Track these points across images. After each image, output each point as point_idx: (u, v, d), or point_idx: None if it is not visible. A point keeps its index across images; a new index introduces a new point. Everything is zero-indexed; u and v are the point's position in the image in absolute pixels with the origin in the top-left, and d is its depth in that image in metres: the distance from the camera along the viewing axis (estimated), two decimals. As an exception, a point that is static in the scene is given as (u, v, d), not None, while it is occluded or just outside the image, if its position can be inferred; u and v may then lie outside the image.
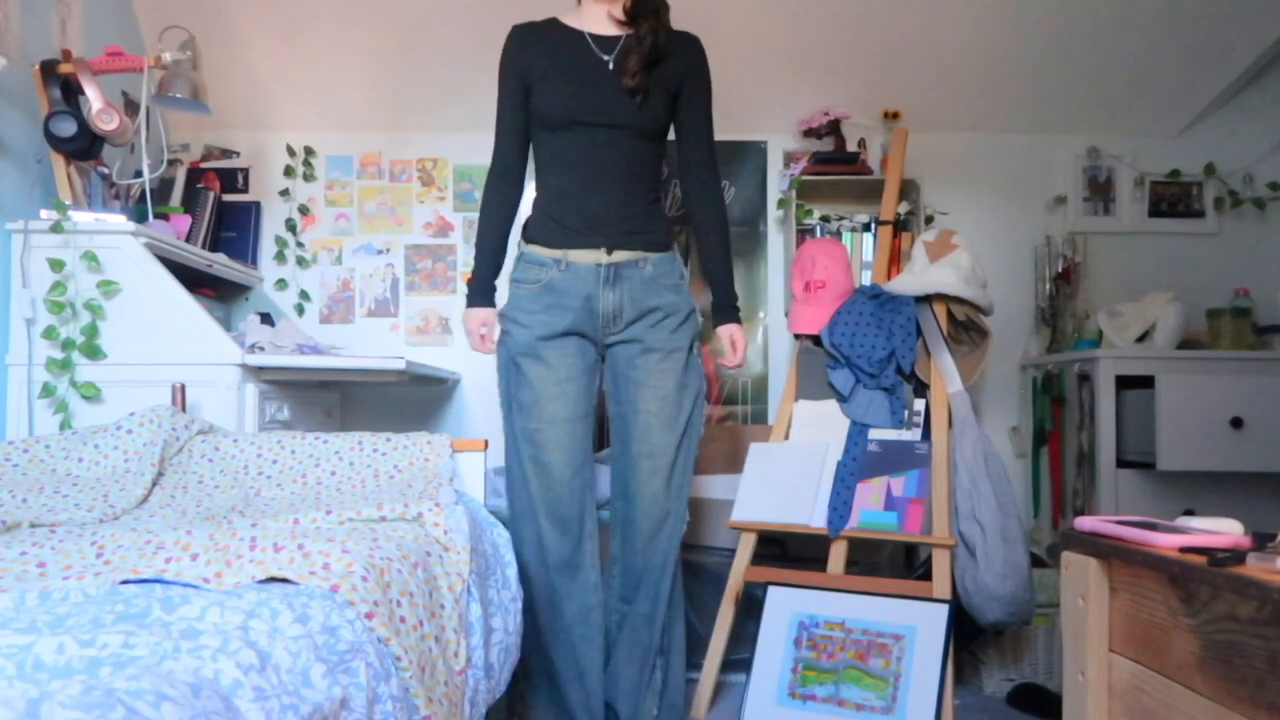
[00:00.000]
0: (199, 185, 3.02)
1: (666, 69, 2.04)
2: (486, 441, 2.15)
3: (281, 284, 3.24)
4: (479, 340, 2.13)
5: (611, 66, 2.03)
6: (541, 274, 2.06)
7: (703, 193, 2.18)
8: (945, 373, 2.55)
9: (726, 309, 2.22)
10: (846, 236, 3.13)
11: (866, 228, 3.13)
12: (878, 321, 2.61)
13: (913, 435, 2.53)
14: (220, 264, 2.79)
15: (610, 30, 2.06)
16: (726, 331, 2.22)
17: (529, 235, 2.11)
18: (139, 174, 2.62)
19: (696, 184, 2.18)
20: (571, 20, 2.09)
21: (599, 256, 2.05)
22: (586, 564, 2.09)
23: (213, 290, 2.88)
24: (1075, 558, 1.26)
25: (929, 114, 3.23)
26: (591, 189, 2.05)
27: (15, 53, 2.26)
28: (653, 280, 2.08)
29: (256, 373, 2.33)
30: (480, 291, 2.13)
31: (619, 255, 2.06)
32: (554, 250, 2.06)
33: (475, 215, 3.27)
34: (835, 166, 3.10)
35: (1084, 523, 1.26)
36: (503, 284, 2.16)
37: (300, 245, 3.27)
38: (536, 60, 2.05)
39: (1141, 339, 2.94)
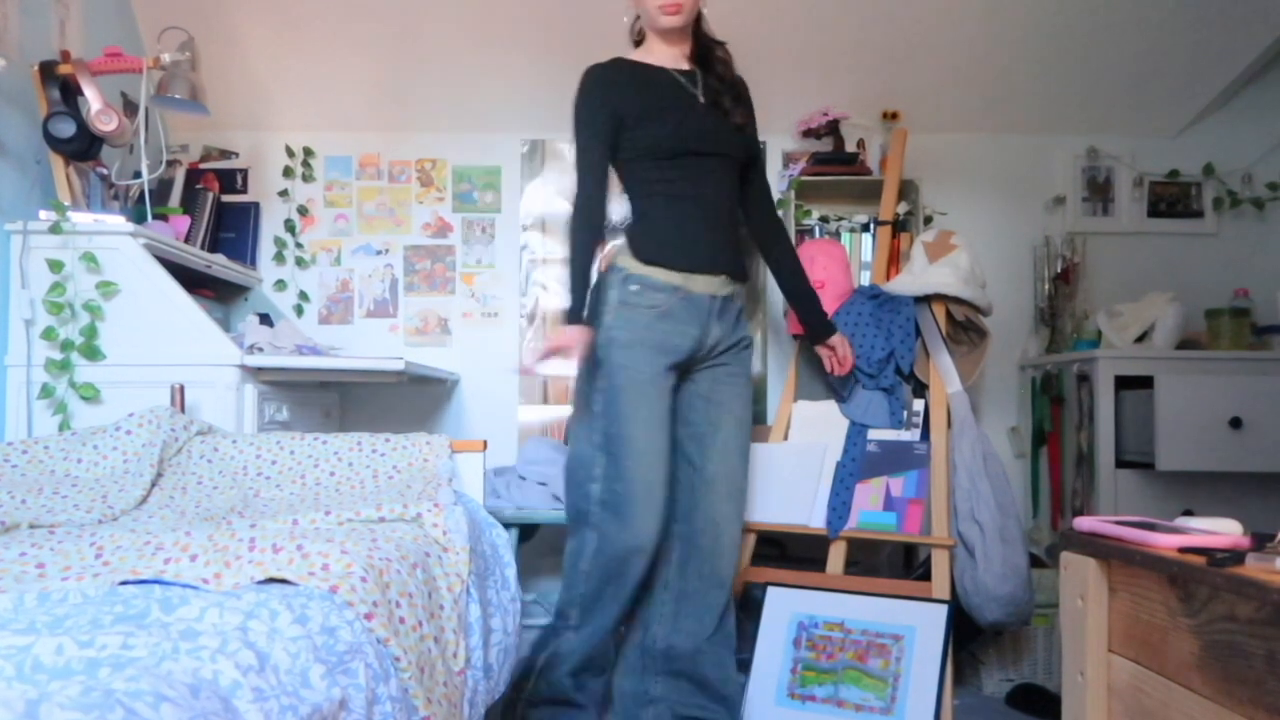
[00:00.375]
0: (198, 186, 3.02)
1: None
2: (485, 442, 2.15)
3: (280, 285, 3.24)
4: (578, 353, 2.04)
5: (702, 99, 2.12)
6: (659, 299, 2.05)
7: (771, 221, 2.32)
8: (944, 373, 2.55)
9: (827, 324, 2.39)
10: (845, 237, 3.13)
11: (865, 228, 3.13)
12: (877, 322, 2.61)
13: (912, 435, 2.53)
14: (219, 265, 2.79)
15: (685, 67, 2.16)
16: (838, 340, 2.38)
17: (646, 256, 2.08)
18: (138, 175, 2.62)
19: (766, 216, 2.30)
20: (643, 58, 2.16)
21: (716, 287, 2.10)
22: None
23: (212, 291, 2.88)
24: (1074, 558, 1.26)
25: (928, 114, 3.23)
26: (706, 217, 2.10)
27: (14, 54, 2.26)
28: (741, 312, 2.20)
29: (255, 373, 2.33)
30: (579, 316, 2.08)
31: (729, 288, 2.13)
32: (674, 275, 2.07)
33: (474, 216, 3.29)
34: (834, 167, 3.10)
35: (1083, 523, 1.26)
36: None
37: (299, 246, 3.27)
38: (629, 97, 2.09)
39: (1140, 339, 2.94)
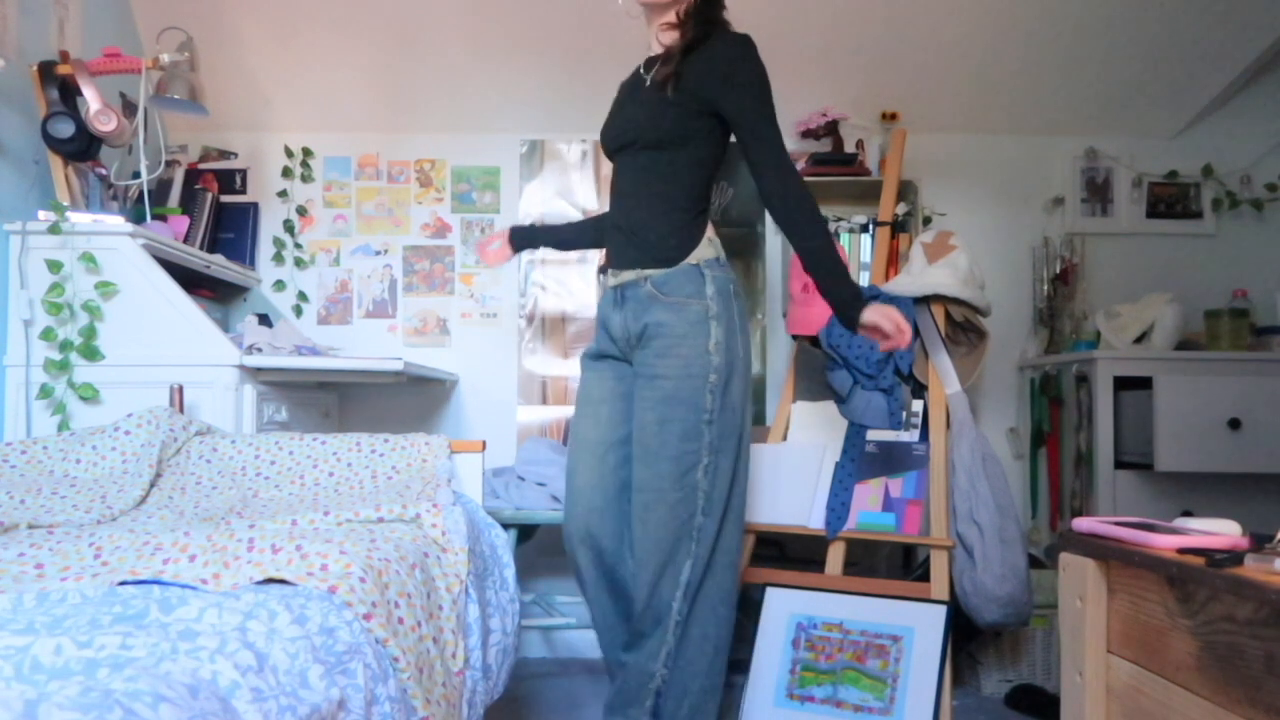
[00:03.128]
0: (197, 186, 3.02)
1: (692, 74, 1.88)
2: (484, 443, 2.15)
3: (279, 285, 3.24)
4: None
5: (648, 83, 1.96)
6: (601, 304, 2.12)
7: (773, 198, 1.92)
8: (943, 374, 2.55)
9: (843, 305, 1.89)
10: (844, 237, 3.13)
11: (864, 229, 3.13)
12: (876, 322, 2.61)
13: (910, 436, 2.53)
14: (218, 265, 2.79)
15: (656, 51, 2.01)
16: (871, 315, 1.87)
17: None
18: (137, 175, 2.61)
19: (766, 192, 1.92)
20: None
21: (615, 279, 2.04)
22: None
23: (211, 291, 2.87)
24: (1073, 559, 1.26)
25: (927, 115, 3.24)
26: (620, 212, 2.03)
27: (13, 54, 2.26)
28: (649, 299, 1.95)
29: (254, 374, 2.33)
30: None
31: (627, 275, 2.00)
32: (606, 277, 2.11)
33: (473, 216, 3.30)
34: (833, 168, 3.10)
35: (1082, 524, 1.26)
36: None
37: (298, 246, 3.27)
38: None
39: (1139, 340, 2.94)
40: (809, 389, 2.75)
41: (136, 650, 0.86)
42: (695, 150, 1.94)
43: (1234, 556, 0.99)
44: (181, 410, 2.16)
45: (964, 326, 2.64)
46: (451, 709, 1.39)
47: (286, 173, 3.25)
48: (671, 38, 1.96)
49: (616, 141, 2.02)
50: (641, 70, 2.03)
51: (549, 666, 3.03)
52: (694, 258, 1.94)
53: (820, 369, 2.70)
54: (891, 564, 3.02)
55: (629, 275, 1.98)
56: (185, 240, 2.76)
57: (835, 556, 2.44)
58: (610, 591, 2.05)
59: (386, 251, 3.29)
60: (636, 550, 1.95)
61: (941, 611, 2.25)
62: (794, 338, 2.81)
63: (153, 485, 1.84)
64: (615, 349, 2.05)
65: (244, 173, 3.27)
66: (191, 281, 2.63)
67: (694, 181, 1.96)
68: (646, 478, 1.92)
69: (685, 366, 1.90)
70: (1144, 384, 2.75)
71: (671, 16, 1.96)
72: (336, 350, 2.97)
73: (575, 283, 3.26)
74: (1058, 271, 3.25)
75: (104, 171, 2.53)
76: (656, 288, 1.94)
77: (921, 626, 2.25)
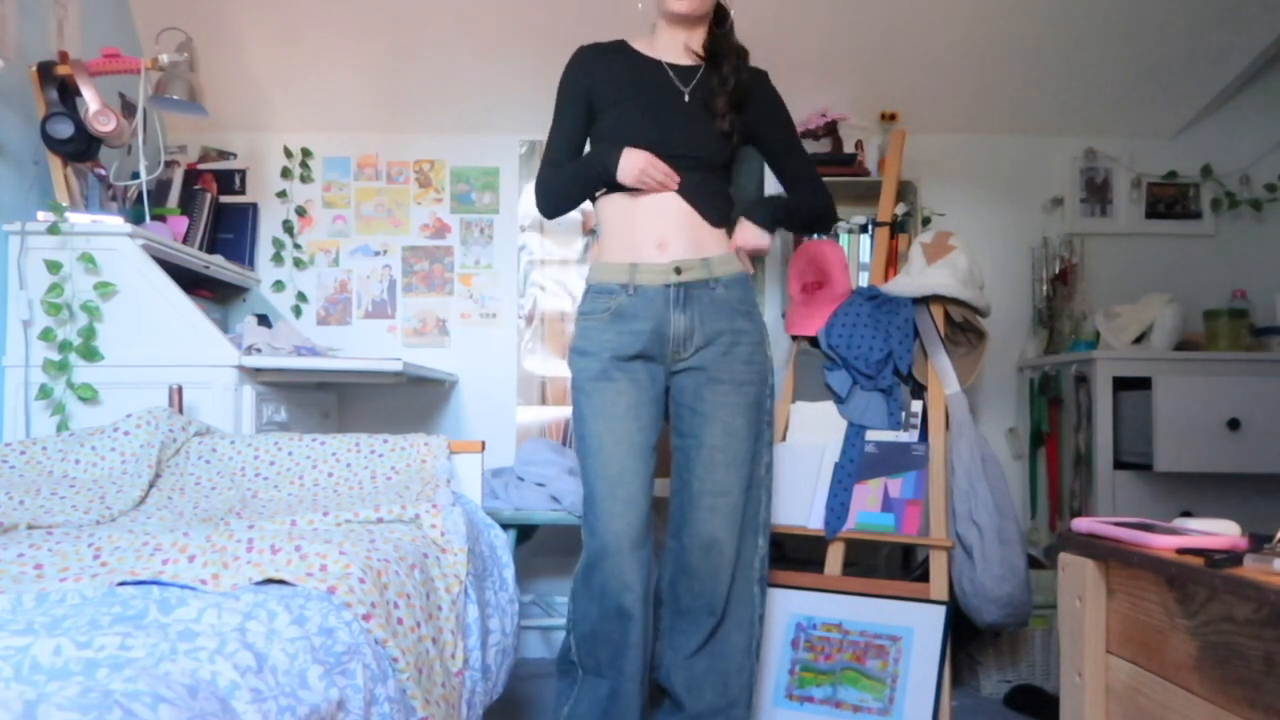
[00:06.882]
0: (196, 187, 3.01)
1: (747, 111, 2.02)
2: (483, 443, 2.15)
3: (279, 285, 3.24)
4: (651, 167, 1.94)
5: (688, 99, 2.00)
6: (610, 301, 1.97)
7: (825, 211, 2.19)
8: (942, 374, 2.55)
9: (766, 214, 2.09)
10: (844, 238, 3.13)
11: (864, 229, 3.13)
12: (875, 323, 2.61)
13: (910, 437, 2.53)
14: (217, 265, 2.79)
15: (686, 60, 2.03)
16: (749, 233, 2.07)
17: (600, 257, 2.04)
18: (136, 175, 2.61)
19: (821, 205, 2.17)
20: (644, 46, 2.05)
21: (670, 275, 1.95)
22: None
23: (210, 292, 2.87)
24: (1072, 559, 1.26)
25: (926, 115, 3.23)
26: (660, 211, 1.97)
27: (12, 54, 2.26)
28: (723, 303, 1.98)
29: (253, 374, 2.33)
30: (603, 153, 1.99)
31: (690, 273, 1.96)
32: (622, 270, 1.98)
33: (472, 217, 3.30)
34: (832, 168, 3.09)
35: (1081, 524, 1.26)
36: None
37: (297, 247, 3.26)
38: (604, 82, 2.02)
39: (1138, 340, 2.94)
40: (808, 389, 2.75)
41: (136, 651, 0.86)
42: (728, 168, 2.10)
43: (1233, 557, 0.99)
44: (181, 411, 2.16)
45: (963, 327, 2.64)
46: (451, 709, 1.39)
47: (286, 173, 3.25)
48: (692, 48, 2.02)
49: (677, 150, 1.96)
50: (673, 76, 2.01)
51: (548, 667, 3.03)
52: (737, 266, 2.04)
53: (819, 369, 2.70)
54: (891, 564, 3.02)
55: (691, 276, 1.97)
56: (184, 241, 2.76)
57: (835, 557, 2.44)
58: (651, 601, 2.00)
59: (386, 252, 3.29)
60: (712, 553, 1.97)
61: (941, 612, 2.25)
62: (793, 338, 2.81)
63: (152, 486, 1.85)
64: (656, 348, 1.97)
65: (243, 173, 3.27)
66: (191, 282, 2.63)
67: (729, 194, 2.10)
68: (732, 481, 1.97)
69: (762, 373, 2.02)
70: (1143, 384, 2.75)
71: (701, 33, 2.04)
72: (336, 351, 2.97)
73: (575, 283, 3.26)
74: (1057, 272, 3.25)
75: (103, 172, 2.53)
76: (729, 291, 1.99)
77: (921, 627, 2.25)
